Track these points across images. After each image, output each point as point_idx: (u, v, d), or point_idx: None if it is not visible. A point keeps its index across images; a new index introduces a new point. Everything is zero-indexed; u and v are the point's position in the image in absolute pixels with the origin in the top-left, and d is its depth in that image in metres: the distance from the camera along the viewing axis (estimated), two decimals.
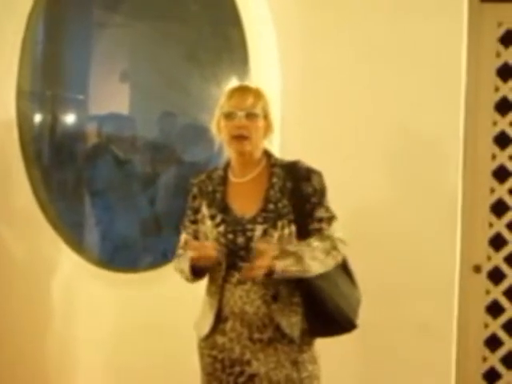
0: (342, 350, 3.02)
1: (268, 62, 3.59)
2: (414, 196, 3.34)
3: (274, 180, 2.80)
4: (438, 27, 3.31)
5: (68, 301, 4.23)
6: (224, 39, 4.21)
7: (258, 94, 2.83)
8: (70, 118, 4.98)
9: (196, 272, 2.81)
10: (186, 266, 2.81)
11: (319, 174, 2.82)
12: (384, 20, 3.40)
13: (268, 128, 2.84)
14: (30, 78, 4.58)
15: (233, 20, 3.78)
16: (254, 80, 3.64)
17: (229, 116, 2.78)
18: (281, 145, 3.32)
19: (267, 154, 2.88)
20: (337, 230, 2.78)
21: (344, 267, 2.82)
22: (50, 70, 4.87)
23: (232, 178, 2.88)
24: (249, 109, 2.77)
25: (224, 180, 2.88)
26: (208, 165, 4.42)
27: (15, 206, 4.41)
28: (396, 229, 3.32)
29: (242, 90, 2.86)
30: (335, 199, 2.83)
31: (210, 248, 2.71)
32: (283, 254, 2.65)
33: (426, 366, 3.27)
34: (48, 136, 4.79)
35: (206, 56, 4.39)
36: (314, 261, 2.68)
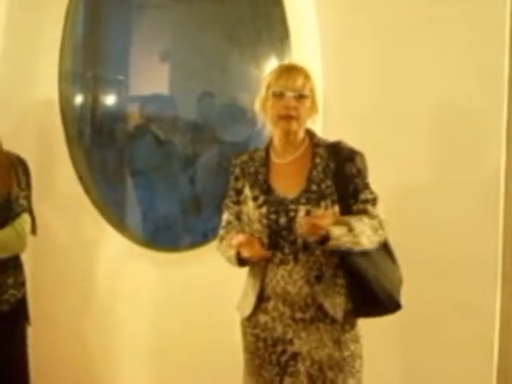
0: (383, 329, 3.00)
1: (308, 41, 3.55)
2: (456, 173, 3.29)
3: (317, 160, 2.80)
4: None
5: (111, 279, 4.28)
6: (264, 18, 4.20)
7: (306, 75, 2.83)
8: (110, 99, 5.01)
9: (242, 261, 2.82)
10: (231, 254, 2.83)
11: (362, 155, 2.82)
12: None
13: (313, 109, 2.83)
14: (72, 59, 4.62)
15: (277, 5, 3.75)
16: (295, 59, 3.62)
17: (278, 96, 2.78)
18: (322, 123, 3.29)
19: (310, 134, 2.87)
20: (379, 210, 2.77)
21: (385, 247, 2.81)
22: (91, 50, 4.90)
23: (274, 159, 2.88)
24: (299, 90, 2.77)
25: (266, 161, 2.88)
26: (248, 144, 4.43)
27: (58, 186, 4.46)
28: (438, 207, 3.28)
29: (291, 70, 2.84)
30: (377, 178, 2.82)
31: (257, 246, 2.73)
32: (338, 222, 2.65)
33: (467, 347, 3.24)
34: (89, 117, 4.83)
35: (246, 35, 4.38)
36: (363, 235, 2.67)
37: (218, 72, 4.57)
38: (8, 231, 3.24)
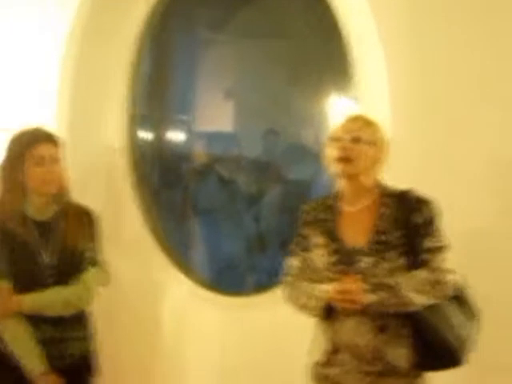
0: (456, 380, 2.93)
1: (374, 84, 3.52)
2: None
3: (385, 210, 2.77)
4: None
5: (177, 323, 4.26)
6: (328, 57, 4.20)
7: (367, 121, 2.82)
8: (175, 138, 5.06)
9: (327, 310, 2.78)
10: (313, 305, 2.78)
11: (430, 203, 2.76)
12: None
13: (378, 157, 2.82)
14: (139, 101, 4.67)
15: (338, 38, 3.75)
16: (361, 102, 3.60)
17: (335, 140, 2.78)
18: (389, 168, 3.26)
19: (379, 184, 2.86)
20: (447, 260, 2.73)
21: (459, 298, 2.75)
22: (157, 91, 4.96)
23: (343, 207, 2.86)
24: (355, 132, 2.76)
25: (335, 209, 2.87)
26: (311, 183, 4.43)
27: (125, 228, 4.48)
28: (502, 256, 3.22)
29: (352, 118, 2.85)
30: (446, 225, 2.76)
31: (356, 291, 2.66)
32: (377, 287, 2.63)
33: None
34: (155, 157, 4.89)
35: (310, 74, 4.40)
36: (419, 293, 2.63)
37: (281, 110, 4.58)
38: (77, 287, 3.25)
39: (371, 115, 2.94)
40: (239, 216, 4.80)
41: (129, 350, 4.38)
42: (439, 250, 2.72)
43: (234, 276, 4.71)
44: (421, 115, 3.35)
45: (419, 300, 2.64)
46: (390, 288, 2.62)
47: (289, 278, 2.95)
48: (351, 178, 2.80)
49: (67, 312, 3.24)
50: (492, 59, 3.24)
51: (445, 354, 2.69)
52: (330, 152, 2.80)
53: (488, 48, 3.25)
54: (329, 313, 2.76)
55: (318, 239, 2.84)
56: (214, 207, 4.86)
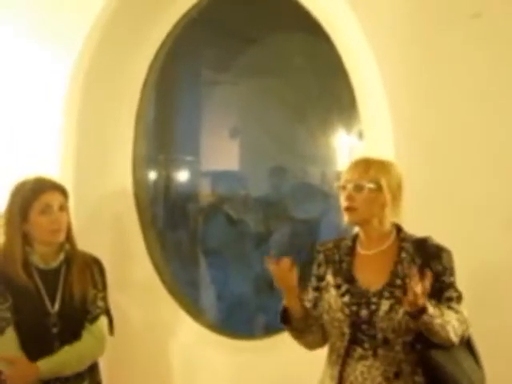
0: None
1: (379, 120, 3.50)
2: None
3: (403, 255, 2.75)
4: None
5: (185, 366, 4.22)
6: (332, 96, 4.22)
7: (368, 165, 2.80)
8: (182, 179, 5.08)
9: (286, 320, 2.82)
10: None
11: (449, 252, 2.75)
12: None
13: (386, 200, 2.79)
14: (145, 143, 4.68)
15: (341, 76, 3.75)
16: (365, 135, 3.60)
17: (341, 189, 2.80)
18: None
19: (397, 228, 2.84)
20: (464, 308, 2.70)
21: (468, 346, 2.73)
22: (163, 132, 4.99)
23: (360, 250, 2.85)
24: (356, 180, 2.76)
25: (352, 251, 2.85)
26: (319, 222, 4.42)
27: (133, 272, 4.46)
28: None
29: (358, 162, 2.84)
30: (459, 261, 2.75)
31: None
32: (430, 302, 2.58)
33: None
34: (162, 198, 4.90)
35: (314, 111, 4.41)
36: (450, 324, 2.59)
37: (287, 148, 4.59)
38: (89, 341, 3.23)
39: (378, 154, 2.93)
40: (247, 256, 4.79)
41: None
42: (459, 298, 2.70)
43: (242, 317, 4.70)
44: (426, 150, 3.34)
45: (451, 331, 2.59)
46: (437, 307, 2.58)
47: None
48: (361, 224, 2.81)
49: (83, 367, 3.23)
50: (497, 88, 3.23)
51: None
52: (340, 201, 2.81)
53: (492, 76, 3.24)
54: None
55: (332, 279, 2.82)
56: (222, 247, 4.86)
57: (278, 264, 2.79)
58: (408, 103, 3.36)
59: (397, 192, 2.81)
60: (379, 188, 2.77)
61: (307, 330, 2.85)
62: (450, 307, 2.67)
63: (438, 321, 2.55)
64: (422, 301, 2.51)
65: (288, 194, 4.71)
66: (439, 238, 2.79)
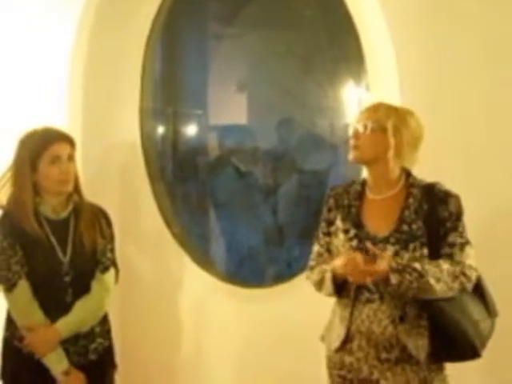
0: (471, 368, 2.92)
1: (386, 71, 3.50)
2: None
3: (411, 200, 2.77)
4: None
5: (196, 316, 4.28)
6: (340, 47, 4.20)
7: (376, 108, 2.84)
8: (190, 132, 5.08)
9: (338, 286, 2.81)
10: (328, 280, 2.81)
11: (457, 198, 2.76)
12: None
13: (392, 143, 2.79)
14: (151, 96, 4.68)
15: (348, 28, 3.74)
16: (371, 87, 3.61)
17: (350, 129, 2.86)
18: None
19: (406, 174, 2.86)
20: (469, 256, 2.71)
21: (478, 292, 2.75)
22: (170, 86, 4.98)
23: (369, 195, 2.87)
24: (362, 120, 2.82)
25: (361, 195, 2.88)
26: (328, 173, 4.43)
27: (142, 224, 4.49)
28: None
29: (370, 105, 2.89)
30: (469, 206, 2.77)
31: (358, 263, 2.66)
32: (405, 268, 2.62)
33: None
34: (170, 151, 4.90)
35: (322, 64, 4.40)
36: (439, 282, 2.62)
37: (295, 101, 4.58)
38: (100, 293, 3.28)
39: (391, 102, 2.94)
40: (256, 208, 4.81)
41: (148, 343, 4.41)
42: (463, 245, 2.72)
43: (252, 268, 4.72)
44: (431, 101, 3.34)
45: (439, 289, 2.63)
46: (415, 271, 2.61)
47: (312, 263, 2.97)
48: (367, 164, 2.85)
49: (97, 320, 3.29)
50: (504, 40, 3.22)
51: (462, 346, 2.68)
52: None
53: (499, 30, 3.23)
54: (341, 288, 2.81)
55: (341, 224, 2.85)
56: (230, 199, 4.87)
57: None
58: (414, 55, 3.36)
59: (412, 141, 2.81)
60: (383, 130, 2.78)
61: None
62: (451, 256, 2.70)
63: (414, 285, 2.61)
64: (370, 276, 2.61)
65: (296, 145, 4.71)
66: (447, 184, 2.81)
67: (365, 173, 2.94)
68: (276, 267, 4.59)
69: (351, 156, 2.83)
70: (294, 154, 4.71)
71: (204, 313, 4.23)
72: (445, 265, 2.66)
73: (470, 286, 2.71)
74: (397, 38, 3.38)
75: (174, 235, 4.46)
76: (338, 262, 2.71)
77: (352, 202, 2.87)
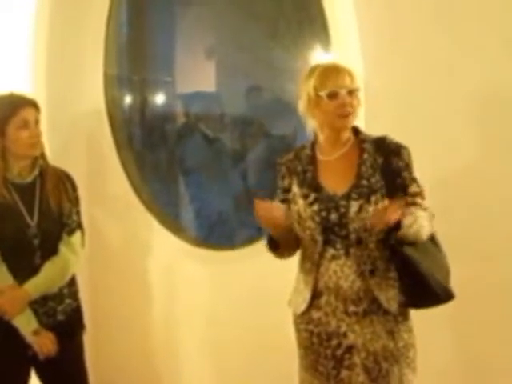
0: (435, 316, 2.97)
1: (347, 33, 3.52)
2: (505, 157, 3.25)
3: (365, 156, 2.80)
4: None
5: (166, 280, 4.30)
6: (305, 12, 4.20)
7: (350, 72, 2.83)
8: (158, 100, 5.07)
9: (272, 242, 2.86)
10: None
11: (407, 149, 2.81)
12: None
13: (360, 103, 2.84)
14: (117, 63, 4.67)
15: None
16: (334, 51, 3.62)
17: (333, 96, 2.77)
18: (363, 117, 3.29)
19: (355, 130, 2.88)
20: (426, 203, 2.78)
21: (432, 238, 2.80)
22: (136, 53, 4.97)
23: (320, 157, 2.88)
24: (349, 86, 2.79)
25: (313, 159, 2.88)
26: (295, 137, 4.44)
27: (110, 190, 4.50)
28: (490, 198, 3.24)
29: (337, 69, 2.84)
30: (420, 169, 2.81)
31: (276, 209, 2.75)
32: (405, 212, 2.65)
33: None
34: (138, 119, 4.90)
35: (289, 29, 4.39)
36: (424, 227, 2.69)
37: (263, 67, 4.58)
38: (68, 255, 3.30)
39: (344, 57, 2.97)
40: (226, 173, 4.83)
41: (118, 306, 4.43)
42: (422, 193, 2.78)
43: (222, 233, 4.75)
44: (393, 60, 3.37)
45: (425, 233, 2.70)
46: (411, 215, 2.65)
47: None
48: (346, 129, 2.83)
49: (65, 281, 3.31)
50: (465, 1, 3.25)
51: (438, 291, 2.74)
52: (327, 109, 2.78)
53: None
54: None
55: (298, 190, 2.85)
56: (199, 166, 4.88)
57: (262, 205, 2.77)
58: (376, 15, 3.38)
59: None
60: (359, 92, 2.83)
61: (289, 244, 2.91)
62: (416, 203, 2.74)
63: (412, 230, 2.64)
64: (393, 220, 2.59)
65: (264, 111, 4.71)
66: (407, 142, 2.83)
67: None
68: (247, 231, 4.60)
69: (347, 125, 2.80)
70: (261, 119, 4.72)
71: (173, 276, 4.26)
72: (419, 211, 2.71)
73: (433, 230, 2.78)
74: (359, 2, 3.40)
75: (143, 202, 4.47)
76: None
77: (306, 167, 2.87)
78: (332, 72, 2.83)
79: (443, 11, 3.27)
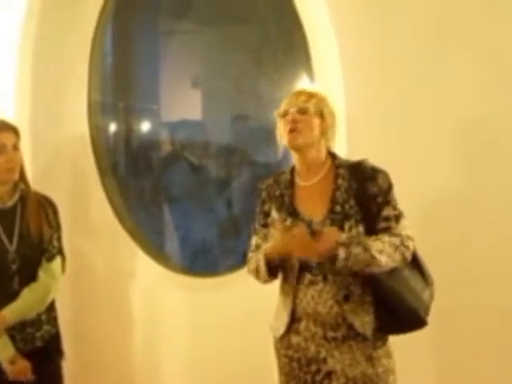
0: (416, 342, 2.97)
1: (329, 62, 3.54)
2: (488, 187, 3.26)
3: (340, 181, 2.80)
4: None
5: (149, 308, 4.28)
6: (287, 41, 4.23)
7: (311, 94, 2.85)
8: (143, 128, 5.09)
9: (270, 269, 2.83)
10: (261, 263, 2.84)
11: (384, 173, 2.80)
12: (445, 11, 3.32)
13: (326, 128, 2.84)
14: (101, 90, 4.68)
15: (295, 22, 3.78)
16: (318, 80, 3.64)
17: (283, 115, 2.83)
18: (347, 145, 3.31)
19: (332, 156, 2.89)
20: (405, 227, 2.76)
21: (415, 263, 2.80)
22: (121, 80, 4.99)
23: (299, 182, 2.89)
24: (299, 104, 2.80)
25: (291, 183, 2.89)
26: (280, 165, 4.45)
27: (93, 217, 4.49)
28: (470, 223, 3.26)
29: (298, 92, 2.90)
30: (403, 194, 2.80)
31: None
32: (349, 241, 2.65)
33: (507, 358, 3.20)
34: (122, 146, 4.91)
35: (273, 58, 4.42)
36: (382, 254, 2.66)
37: (247, 95, 4.61)
38: (47, 281, 3.30)
39: (317, 87, 2.98)
40: (211, 201, 4.83)
41: (101, 334, 4.41)
42: (397, 217, 2.76)
43: (207, 260, 4.74)
44: (375, 89, 3.40)
45: (383, 260, 2.67)
46: (360, 245, 2.65)
47: (250, 254, 2.99)
48: (302, 150, 2.83)
49: (44, 307, 3.30)
50: (446, 26, 3.28)
51: (408, 317, 2.73)
52: (281, 127, 2.84)
53: (444, 5, 3.28)
54: (275, 271, 2.85)
55: (276, 214, 2.86)
56: (185, 193, 4.88)
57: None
58: (357, 45, 3.43)
59: (334, 120, 2.87)
60: (321, 114, 2.82)
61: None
62: (388, 229, 2.74)
63: (360, 257, 2.64)
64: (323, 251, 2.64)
65: (249, 139, 4.73)
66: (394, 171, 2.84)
67: (293, 161, 2.93)
68: (232, 259, 4.59)
69: (292, 142, 2.80)
70: (246, 147, 4.73)
71: (157, 303, 4.24)
72: (385, 237, 2.70)
73: (409, 256, 2.75)
74: (341, 35, 3.45)
75: (127, 229, 4.47)
76: (278, 239, 2.74)
77: (284, 191, 2.88)
78: (292, 95, 2.88)
79: (426, 40, 3.31)
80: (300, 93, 2.87)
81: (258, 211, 2.97)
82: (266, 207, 2.93)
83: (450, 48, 3.27)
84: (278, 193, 2.89)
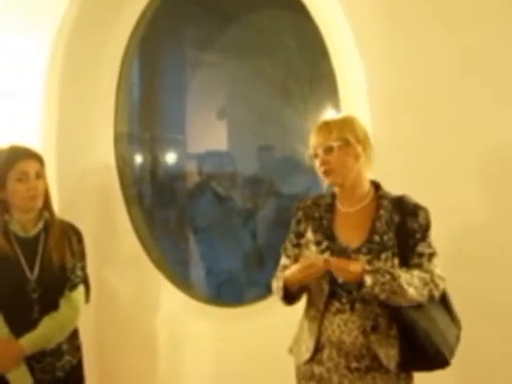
0: (439, 377, 2.92)
1: (356, 92, 3.55)
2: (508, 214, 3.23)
3: (382, 212, 2.79)
4: None
5: (174, 338, 4.25)
6: (313, 71, 4.25)
7: (330, 128, 2.83)
8: (169, 158, 5.11)
9: (287, 295, 2.83)
10: (280, 284, 2.84)
11: (425, 211, 2.79)
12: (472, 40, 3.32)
13: (357, 152, 2.82)
14: (128, 121, 4.70)
15: (321, 52, 3.79)
16: (344, 110, 3.63)
17: (314, 156, 2.84)
18: (373, 174, 3.30)
19: (375, 186, 2.88)
20: (437, 266, 2.75)
21: (444, 302, 2.77)
22: (147, 111, 5.02)
23: (339, 207, 2.88)
24: (323, 143, 2.80)
25: (331, 208, 2.89)
26: (306, 195, 4.45)
27: (119, 247, 4.49)
28: (493, 252, 3.22)
29: (322, 127, 2.87)
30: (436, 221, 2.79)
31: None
32: (379, 270, 2.65)
33: None
34: (149, 177, 4.92)
35: (298, 89, 4.44)
36: (410, 286, 2.64)
37: (273, 126, 4.62)
38: (67, 311, 3.27)
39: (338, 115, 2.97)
40: (236, 231, 4.83)
41: (126, 365, 4.38)
42: (431, 255, 2.76)
43: (232, 291, 4.73)
44: (403, 117, 3.38)
45: (410, 293, 2.64)
46: (388, 274, 2.64)
47: (276, 274, 2.97)
48: (343, 185, 2.83)
49: (64, 337, 3.28)
50: (472, 51, 3.26)
51: (432, 356, 2.69)
52: (317, 169, 2.84)
53: (467, 38, 3.27)
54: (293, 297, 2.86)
55: (312, 236, 2.85)
56: (211, 224, 4.88)
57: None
58: (383, 74, 3.42)
59: (365, 142, 2.85)
60: (347, 143, 2.81)
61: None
62: (420, 266, 2.73)
63: (387, 286, 2.61)
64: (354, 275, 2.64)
65: (274, 170, 4.73)
66: (419, 199, 2.83)
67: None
68: (256, 290, 4.58)
69: (329, 181, 2.82)
70: (272, 178, 4.74)
71: (182, 334, 4.20)
72: (415, 272, 2.69)
73: (437, 295, 2.73)
74: (366, 58, 3.44)
75: (152, 259, 4.46)
76: (296, 267, 2.75)
77: (323, 214, 2.87)
78: (315, 131, 2.87)
79: (451, 67, 3.29)
80: (320, 129, 2.86)
81: (292, 231, 2.96)
82: (301, 228, 2.92)
83: (475, 75, 3.26)
84: (316, 215, 2.88)
